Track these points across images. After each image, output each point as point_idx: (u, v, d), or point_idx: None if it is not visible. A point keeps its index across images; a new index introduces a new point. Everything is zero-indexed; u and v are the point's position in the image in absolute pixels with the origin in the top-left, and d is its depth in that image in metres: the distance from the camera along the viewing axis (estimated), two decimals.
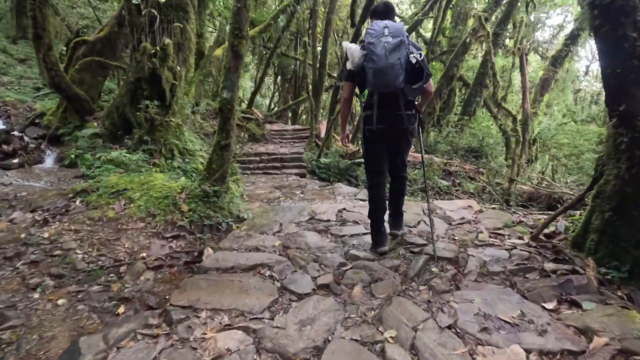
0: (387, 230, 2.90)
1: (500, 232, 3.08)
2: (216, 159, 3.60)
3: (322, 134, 12.17)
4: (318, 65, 14.61)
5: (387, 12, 2.49)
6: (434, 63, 14.66)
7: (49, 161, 5.80)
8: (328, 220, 3.62)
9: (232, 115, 3.57)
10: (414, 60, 2.27)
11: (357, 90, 2.77)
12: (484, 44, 11.00)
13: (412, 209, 3.90)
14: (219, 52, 10.26)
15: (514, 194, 6.33)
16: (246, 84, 30.02)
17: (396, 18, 2.86)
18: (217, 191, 3.61)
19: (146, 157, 5.15)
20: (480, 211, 3.82)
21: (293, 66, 20.15)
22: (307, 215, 3.83)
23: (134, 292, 2.41)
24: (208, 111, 12.61)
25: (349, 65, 2.43)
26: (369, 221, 2.84)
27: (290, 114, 23.14)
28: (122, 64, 6.99)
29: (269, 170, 10.15)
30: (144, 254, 2.80)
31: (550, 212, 5.54)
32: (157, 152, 5.33)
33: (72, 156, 5.33)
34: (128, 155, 5.04)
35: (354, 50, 2.36)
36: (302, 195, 6.89)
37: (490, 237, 2.91)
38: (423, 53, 2.36)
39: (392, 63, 2.19)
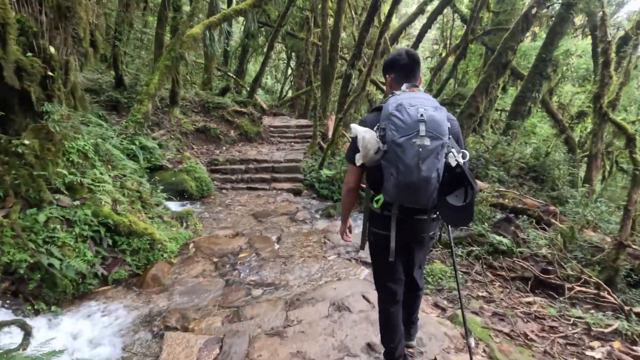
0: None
1: None
2: None
3: (330, 134, 9.63)
4: (329, 47, 11.92)
5: (413, 67, 1.65)
6: (472, 45, 11.65)
7: None
8: None
9: None
10: (454, 163, 1.44)
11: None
12: (545, 20, 8.02)
13: None
14: (196, 30, 7.81)
15: (623, 267, 3.69)
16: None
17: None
18: None
19: None
20: None
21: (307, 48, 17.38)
22: None
23: None
24: (193, 103, 10.28)
25: (358, 158, 1.56)
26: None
27: (304, 102, 20.56)
28: None
29: (255, 184, 7.78)
30: None
31: None
32: (8, 196, 3.03)
33: None
34: None
35: (368, 140, 1.47)
36: (276, 247, 4.47)
37: None
38: (468, 154, 1.48)
39: (428, 177, 1.39)
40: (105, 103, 8.29)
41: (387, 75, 1.75)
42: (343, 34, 14.95)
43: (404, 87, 1.63)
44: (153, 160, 6.62)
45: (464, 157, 1.45)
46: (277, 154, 8.95)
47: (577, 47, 9.19)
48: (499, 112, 11.48)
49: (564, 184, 6.06)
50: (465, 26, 10.78)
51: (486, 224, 4.43)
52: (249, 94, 13.62)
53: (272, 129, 11.29)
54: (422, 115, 1.40)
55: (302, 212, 6.21)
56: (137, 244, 3.71)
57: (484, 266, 3.95)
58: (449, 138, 1.46)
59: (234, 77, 14.83)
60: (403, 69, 1.68)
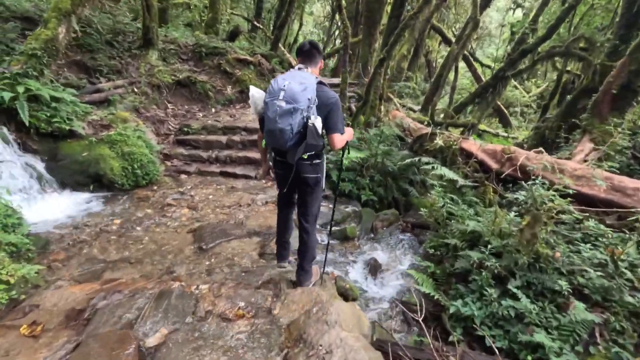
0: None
1: None
2: None
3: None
4: None
5: (309, 54, 2.17)
6: None
7: None
8: None
9: None
10: (310, 124, 1.98)
11: None
12: None
13: None
14: None
15: None
16: (307, 28, 23.63)
17: (312, 70, 2.19)
18: None
19: None
20: None
21: None
22: None
23: None
24: (183, 47, 7.34)
25: (252, 112, 2.19)
26: None
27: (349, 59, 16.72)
28: None
29: (235, 167, 4.75)
30: None
31: None
32: None
33: None
34: None
35: (256, 98, 2.14)
36: None
37: None
38: (319, 120, 2.02)
39: (282, 128, 1.95)
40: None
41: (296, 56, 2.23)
42: None
43: (296, 66, 2.14)
44: (56, 122, 3.85)
45: (314, 120, 1.94)
46: None
47: None
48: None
49: None
50: None
51: None
52: (272, 44, 10.38)
53: None
54: (284, 86, 1.93)
55: None
56: None
57: None
58: (309, 107, 1.95)
59: (258, 24, 11.58)
60: (304, 54, 2.15)
